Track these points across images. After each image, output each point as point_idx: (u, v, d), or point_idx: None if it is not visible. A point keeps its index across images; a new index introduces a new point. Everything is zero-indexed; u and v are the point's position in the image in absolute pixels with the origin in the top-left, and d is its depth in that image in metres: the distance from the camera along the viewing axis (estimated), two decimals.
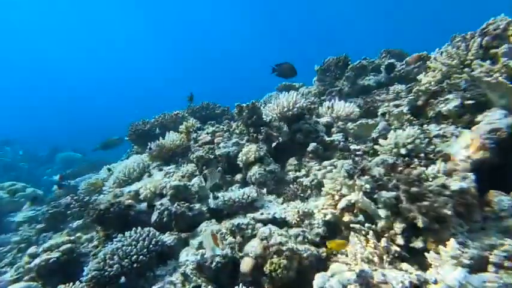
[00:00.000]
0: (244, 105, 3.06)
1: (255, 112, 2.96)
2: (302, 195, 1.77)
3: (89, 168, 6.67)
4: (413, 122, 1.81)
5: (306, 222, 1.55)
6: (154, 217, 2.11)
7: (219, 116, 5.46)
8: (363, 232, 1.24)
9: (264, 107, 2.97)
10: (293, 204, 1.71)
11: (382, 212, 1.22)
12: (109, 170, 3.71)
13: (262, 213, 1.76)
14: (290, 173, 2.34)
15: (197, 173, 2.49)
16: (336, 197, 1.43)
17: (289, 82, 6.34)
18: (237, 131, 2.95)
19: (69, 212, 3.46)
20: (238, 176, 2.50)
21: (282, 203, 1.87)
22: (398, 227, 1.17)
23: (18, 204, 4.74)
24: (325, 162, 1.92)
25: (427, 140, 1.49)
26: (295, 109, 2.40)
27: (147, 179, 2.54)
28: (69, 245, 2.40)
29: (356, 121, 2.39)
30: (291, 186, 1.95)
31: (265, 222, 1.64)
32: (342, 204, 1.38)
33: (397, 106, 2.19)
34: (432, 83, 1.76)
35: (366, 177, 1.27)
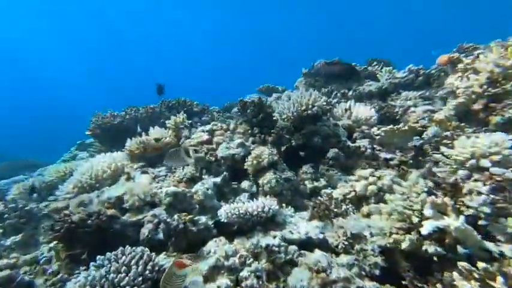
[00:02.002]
0: (249, 101, 2.88)
1: (261, 109, 2.80)
2: (336, 210, 1.64)
3: (12, 168, 5.60)
4: (465, 128, 1.74)
5: (357, 247, 1.36)
6: (145, 232, 1.74)
7: (198, 114, 5.15)
8: (475, 274, 0.96)
9: (273, 103, 2.83)
10: (336, 223, 1.52)
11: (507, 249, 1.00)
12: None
13: (291, 232, 1.57)
14: (306, 182, 2.21)
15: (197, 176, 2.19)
16: (414, 219, 1.21)
17: (271, 85, 6.40)
18: (239, 130, 2.73)
19: None
20: (246, 184, 2.28)
21: (310, 219, 1.71)
22: None
23: None
24: (363, 172, 1.82)
25: None
26: (315, 108, 2.31)
27: (129, 184, 2.14)
28: (6, 272, 1.86)
29: (373, 126, 2.40)
30: (320, 199, 1.80)
31: (298, 244, 1.45)
32: (428, 229, 1.13)
33: (432, 112, 2.23)
34: (475, 86, 1.80)
35: (470, 197, 1.12)
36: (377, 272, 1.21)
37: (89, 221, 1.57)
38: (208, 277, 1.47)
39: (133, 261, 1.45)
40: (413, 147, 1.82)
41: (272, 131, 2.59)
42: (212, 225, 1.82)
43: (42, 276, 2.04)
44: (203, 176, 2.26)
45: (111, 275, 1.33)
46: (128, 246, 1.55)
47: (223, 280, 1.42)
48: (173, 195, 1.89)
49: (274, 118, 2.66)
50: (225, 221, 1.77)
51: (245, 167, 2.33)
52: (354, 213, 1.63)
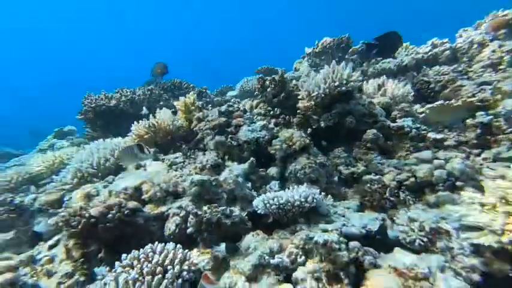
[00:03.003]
0: (269, 78, 2.67)
1: (283, 88, 2.60)
2: (393, 199, 1.51)
3: None
4: None
5: (440, 244, 1.19)
6: (171, 227, 1.57)
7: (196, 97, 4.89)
8: None
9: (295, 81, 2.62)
10: (412, 215, 1.29)
11: None
12: None
13: (344, 225, 1.43)
14: (341, 168, 2.07)
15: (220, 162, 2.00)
16: None
17: (270, 66, 6.15)
18: (260, 111, 2.53)
19: None
20: (274, 170, 2.12)
21: (362, 210, 1.57)
22: None
23: None
24: (424, 155, 1.65)
25: None
26: (351, 84, 2.12)
27: (145, 172, 1.93)
28: (9, 275, 1.65)
29: (411, 103, 2.27)
30: (372, 187, 1.66)
31: (359, 239, 1.31)
32: None
33: (486, 84, 2.09)
34: None
35: None
36: (476, 277, 1.04)
37: (110, 215, 1.37)
38: (252, 277, 1.33)
39: (167, 260, 1.28)
40: (478, 125, 1.70)
41: (298, 111, 2.42)
42: (246, 218, 1.66)
43: (48, 278, 1.85)
44: (226, 163, 2.07)
45: (147, 277, 1.15)
46: (157, 242, 1.38)
47: (271, 280, 1.29)
48: (200, 184, 1.71)
49: (298, 97, 2.48)
50: (262, 212, 1.61)
51: (271, 152, 2.17)
52: (414, 202, 1.52)
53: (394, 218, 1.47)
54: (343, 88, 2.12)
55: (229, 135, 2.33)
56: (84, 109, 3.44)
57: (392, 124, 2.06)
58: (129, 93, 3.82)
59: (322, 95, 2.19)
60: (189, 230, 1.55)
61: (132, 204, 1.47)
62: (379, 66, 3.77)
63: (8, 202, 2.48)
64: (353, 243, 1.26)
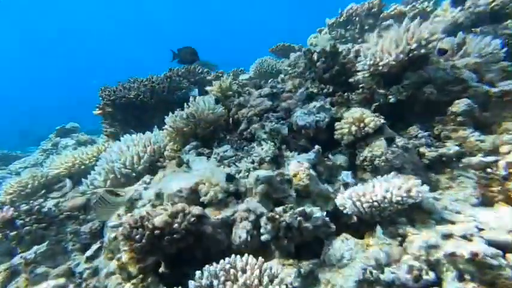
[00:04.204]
0: (317, 50, 2.36)
1: (335, 60, 2.29)
2: None
3: None
4: None
5: None
6: (241, 234, 1.35)
7: (211, 83, 4.63)
8: None
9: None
10: None
11: None
12: None
13: (477, 227, 1.16)
14: (422, 149, 1.79)
15: (276, 154, 1.75)
16: None
17: (287, 43, 5.73)
18: (312, 90, 2.24)
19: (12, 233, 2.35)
20: (341, 158, 1.86)
21: (483, 205, 1.29)
22: None
23: None
24: None
25: None
26: (434, 43, 1.79)
27: (192, 171, 1.71)
28: None
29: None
30: (493, 174, 1.36)
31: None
32: None
33: None
34: None
35: None
36: None
37: (175, 225, 1.17)
38: None
39: (254, 279, 1.07)
40: None
41: (361, 85, 2.12)
42: (328, 220, 1.43)
43: None
44: (285, 153, 1.83)
45: None
46: (234, 256, 1.17)
47: None
48: (267, 181, 1.48)
49: (358, 68, 2.17)
50: (350, 212, 1.37)
51: (337, 136, 1.90)
52: None
53: None
54: (423, 50, 1.79)
55: (281, 121, 2.07)
56: (102, 103, 3.24)
57: (494, 89, 1.73)
58: (147, 82, 3.58)
59: (393, 63, 1.87)
60: (263, 237, 1.34)
61: (197, 210, 1.25)
62: None
63: (36, 211, 2.35)
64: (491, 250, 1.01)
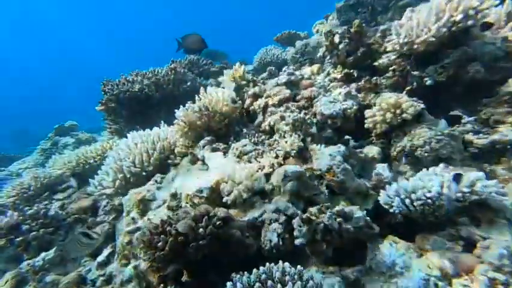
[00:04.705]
0: (339, 31, 2.16)
1: (360, 42, 2.10)
2: None
3: None
4: None
5: None
6: (271, 238, 1.21)
7: (216, 75, 4.46)
8: None
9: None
10: None
11: None
12: None
13: None
14: (470, 137, 1.61)
15: (301, 145, 1.59)
16: None
17: (293, 30, 5.48)
18: (334, 75, 2.06)
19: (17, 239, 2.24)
20: (373, 150, 1.69)
21: None
22: None
23: None
24: None
25: None
26: (483, 13, 1.58)
27: (210, 168, 1.56)
28: None
29: None
30: None
31: None
32: None
33: None
34: None
35: None
36: None
37: (200, 230, 1.03)
38: None
39: None
40: None
41: (391, 67, 1.93)
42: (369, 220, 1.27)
43: None
44: (310, 146, 1.67)
45: None
46: (269, 264, 1.02)
47: None
48: (297, 177, 1.32)
49: (387, 49, 1.97)
50: (397, 211, 1.21)
51: (368, 125, 1.73)
52: None
53: None
54: (470, 22, 1.58)
55: (303, 111, 1.90)
56: (105, 98, 3.10)
57: None
58: (150, 74, 3.42)
59: (431, 39, 1.67)
60: (298, 241, 1.19)
61: (222, 212, 1.11)
62: None
63: (42, 215, 2.25)
64: None
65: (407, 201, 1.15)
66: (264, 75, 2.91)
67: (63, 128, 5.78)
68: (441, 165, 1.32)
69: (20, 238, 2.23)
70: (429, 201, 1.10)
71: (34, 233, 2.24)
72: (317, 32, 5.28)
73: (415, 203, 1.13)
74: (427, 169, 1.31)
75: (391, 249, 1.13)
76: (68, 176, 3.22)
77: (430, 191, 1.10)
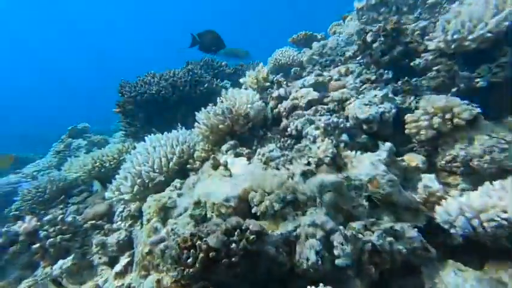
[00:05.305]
0: (373, 28, 2.03)
1: (397, 40, 1.96)
2: None
3: None
4: None
5: None
6: (309, 256, 1.08)
7: (231, 76, 4.38)
8: None
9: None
10: None
11: None
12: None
13: None
14: None
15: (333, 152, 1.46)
16: None
17: (309, 32, 5.33)
18: (367, 76, 1.93)
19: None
20: (417, 159, 1.53)
21: None
22: None
23: None
24: None
25: None
26: None
27: (235, 175, 1.46)
28: None
29: None
30: None
31: None
32: None
33: None
34: None
35: None
36: None
37: (233, 245, 0.92)
38: None
39: None
40: None
41: (436, 67, 1.77)
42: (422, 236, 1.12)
43: None
44: (344, 153, 1.53)
45: None
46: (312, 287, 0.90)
47: None
48: (336, 188, 1.19)
49: (429, 47, 1.82)
50: (460, 232, 1.05)
51: (410, 131, 1.58)
52: None
53: None
54: None
55: (333, 114, 1.78)
56: (123, 100, 3.09)
57: None
58: (167, 76, 3.39)
59: (488, 35, 1.50)
60: (339, 261, 1.05)
61: (254, 225, 1.00)
62: None
63: (60, 220, 2.21)
64: None
65: (475, 221, 0.99)
66: (278, 77, 2.81)
67: (76, 129, 5.87)
68: (510, 179, 1.15)
69: (38, 245, 2.20)
70: (505, 222, 0.93)
71: (51, 239, 2.20)
72: (334, 33, 5.11)
73: (485, 224, 0.97)
74: (491, 183, 1.14)
75: (456, 278, 0.97)
76: (91, 179, 3.19)
77: (504, 211, 0.94)
